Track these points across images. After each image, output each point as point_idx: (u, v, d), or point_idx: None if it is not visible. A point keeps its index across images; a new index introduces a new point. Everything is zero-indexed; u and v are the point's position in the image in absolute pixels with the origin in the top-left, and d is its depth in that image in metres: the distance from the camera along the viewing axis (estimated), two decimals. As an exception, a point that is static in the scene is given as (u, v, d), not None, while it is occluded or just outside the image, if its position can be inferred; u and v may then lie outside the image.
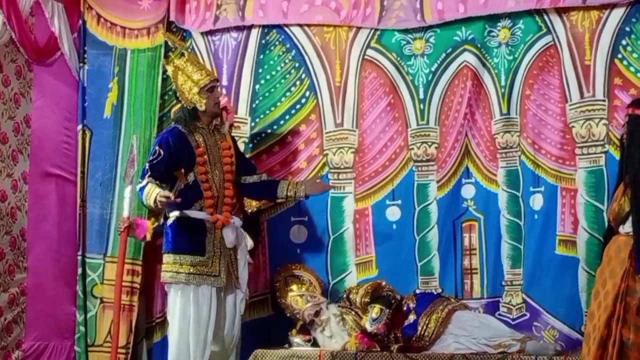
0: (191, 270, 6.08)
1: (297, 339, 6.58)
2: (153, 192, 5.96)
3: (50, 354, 7.16)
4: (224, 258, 6.19)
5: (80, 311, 7.22)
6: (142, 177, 6.16)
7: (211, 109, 6.16)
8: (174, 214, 6.10)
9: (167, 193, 5.95)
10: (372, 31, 7.13)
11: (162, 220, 6.35)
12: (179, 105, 6.36)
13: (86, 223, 7.29)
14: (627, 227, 5.39)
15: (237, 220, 6.40)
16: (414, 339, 6.43)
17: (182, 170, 6.17)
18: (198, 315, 6.05)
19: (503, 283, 6.74)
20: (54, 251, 7.25)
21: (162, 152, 6.08)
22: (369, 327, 6.44)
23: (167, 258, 6.20)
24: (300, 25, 7.27)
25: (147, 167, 6.14)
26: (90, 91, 7.43)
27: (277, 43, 7.33)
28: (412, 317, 6.52)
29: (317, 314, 6.62)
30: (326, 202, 7.12)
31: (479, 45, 6.89)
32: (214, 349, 6.20)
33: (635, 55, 6.51)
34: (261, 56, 7.34)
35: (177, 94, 6.34)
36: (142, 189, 6.11)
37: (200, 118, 6.27)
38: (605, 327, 5.32)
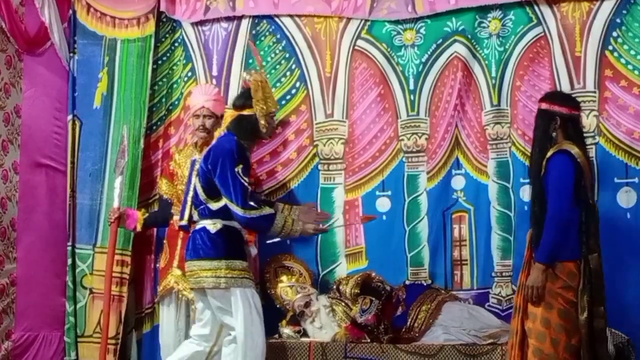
0: (249, 274, 5.95)
1: (287, 330, 6.58)
2: (297, 222, 5.77)
3: (40, 345, 7.16)
4: None
5: (69, 302, 7.21)
6: (245, 203, 5.62)
7: (266, 134, 6.01)
8: (219, 223, 5.92)
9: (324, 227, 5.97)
10: (363, 22, 7.13)
11: (181, 224, 6.20)
12: (235, 115, 5.93)
13: (76, 213, 7.28)
14: None
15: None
16: (403, 330, 6.43)
17: None
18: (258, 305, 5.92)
19: (493, 274, 6.75)
20: (44, 241, 7.25)
21: (248, 176, 5.77)
22: (358, 318, 6.44)
23: (220, 264, 5.74)
24: (291, 16, 7.27)
25: (249, 190, 5.71)
26: (80, 81, 7.40)
27: (267, 33, 7.32)
28: (401, 308, 6.53)
29: (307, 305, 6.62)
30: (316, 193, 7.13)
31: (469, 36, 6.89)
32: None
33: (625, 46, 6.52)
34: (251, 47, 7.34)
35: (252, 105, 5.87)
36: (266, 217, 5.68)
37: (253, 139, 6.06)
38: (513, 317, 5.49)
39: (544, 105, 5.57)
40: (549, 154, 5.39)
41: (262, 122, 5.81)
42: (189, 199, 5.98)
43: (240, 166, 5.65)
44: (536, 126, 5.56)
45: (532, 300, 5.29)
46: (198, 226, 5.80)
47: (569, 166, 5.34)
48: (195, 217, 5.87)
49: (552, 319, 5.26)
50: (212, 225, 5.73)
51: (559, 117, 5.47)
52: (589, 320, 5.27)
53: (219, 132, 6.96)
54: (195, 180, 5.89)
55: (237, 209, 5.60)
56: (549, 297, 5.28)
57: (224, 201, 5.69)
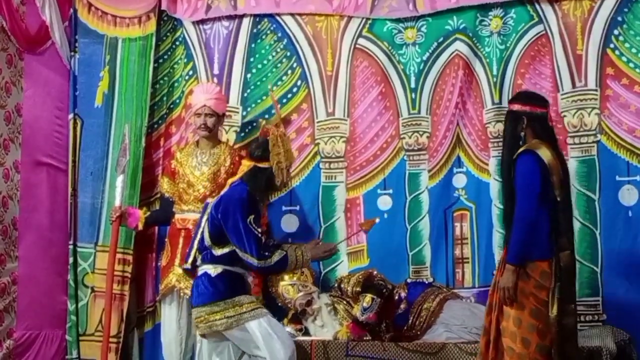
0: (257, 303, 5.91)
1: (288, 329, 6.56)
2: (306, 253, 5.75)
3: (41, 343, 7.16)
4: None
5: (71, 300, 7.21)
6: (260, 254, 5.59)
7: (279, 186, 6.00)
8: (220, 267, 5.89)
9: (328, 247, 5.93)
10: (364, 20, 7.14)
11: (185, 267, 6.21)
12: (251, 166, 5.81)
13: (77, 212, 7.28)
14: None
15: None
16: (405, 328, 6.43)
17: None
18: (270, 321, 5.89)
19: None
20: (46, 240, 7.25)
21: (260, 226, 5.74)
22: (360, 317, 6.44)
23: (227, 304, 5.66)
24: (292, 15, 7.28)
25: (263, 240, 5.66)
26: (82, 80, 7.41)
27: (268, 32, 7.33)
28: (403, 307, 6.52)
29: (309, 303, 6.62)
30: (317, 191, 7.13)
31: (470, 34, 6.89)
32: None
33: (627, 45, 6.52)
34: (252, 45, 7.34)
35: (270, 158, 5.79)
36: (280, 261, 5.66)
37: (266, 191, 5.98)
38: (487, 315, 5.47)
39: (510, 106, 5.55)
40: (515, 155, 5.37)
41: (279, 172, 5.79)
42: (196, 242, 5.92)
43: (252, 216, 5.63)
44: (505, 127, 5.56)
45: (505, 302, 5.29)
46: (200, 272, 5.77)
47: (534, 166, 5.30)
48: (198, 261, 5.83)
49: (524, 318, 5.25)
50: (212, 269, 5.72)
51: (525, 117, 5.42)
52: (558, 318, 5.26)
53: (220, 132, 6.99)
54: (205, 224, 5.85)
55: (252, 260, 5.60)
56: (522, 297, 5.26)
57: (228, 248, 5.69)
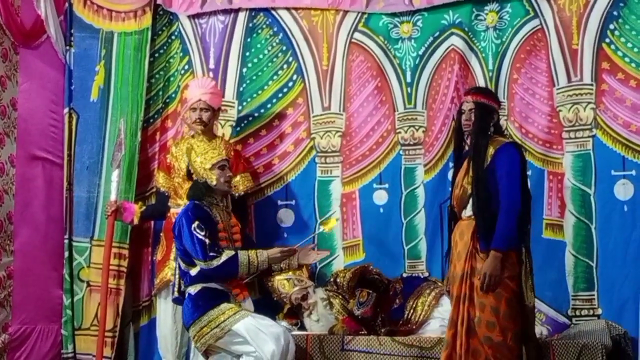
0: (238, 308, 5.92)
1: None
2: (261, 253, 5.89)
3: (36, 338, 7.14)
4: None
5: (67, 295, 7.20)
6: (206, 256, 5.72)
7: (221, 186, 6.08)
8: (199, 286, 5.85)
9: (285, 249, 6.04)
10: (360, 14, 7.13)
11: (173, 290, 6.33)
12: (190, 184, 6.25)
13: (73, 206, 7.27)
14: (468, 212, 5.55)
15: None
16: (401, 322, 6.42)
17: None
18: (255, 319, 5.91)
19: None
20: (41, 234, 7.23)
21: (204, 230, 5.83)
22: (356, 311, 6.44)
23: (210, 316, 5.74)
24: (288, 9, 7.28)
25: (207, 242, 5.75)
26: (77, 74, 7.39)
27: (264, 26, 7.32)
28: (399, 301, 6.52)
29: (304, 297, 6.62)
30: (313, 185, 7.14)
31: (466, 29, 6.89)
32: None
33: (622, 39, 6.52)
34: (248, 39, 7.33)
35: (191, 171, 6.29)
36: (229, 261, 5.75)
37: (214, 194, 6.12)
38: (455, 307, 5.50)
39: (483, 99, 5.59)
40: (497, 145, 5.46)
41: (207, 174, 6.03)
42: (177, 271, 6.10)
43: (196, 223, 5.81)
44: (477, 118, 5.56)
45: (487, 289, 5.34)
46: (186, 295, 5.90)
47: (520, 158, 5.47)
48: (182, 287, 6.00)
49: (501, 307, 5.32)
50: (193, 289, 5.84)
51: (496, 114, 5.58)
52: (532, 306, 5.45)
53: (215, 126, 7.00)
54: (177, 252, 6.03)
55: (201, 264, 5.77)
56: (499, 286, 5.35)
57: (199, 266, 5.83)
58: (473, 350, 5.36)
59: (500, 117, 5.76)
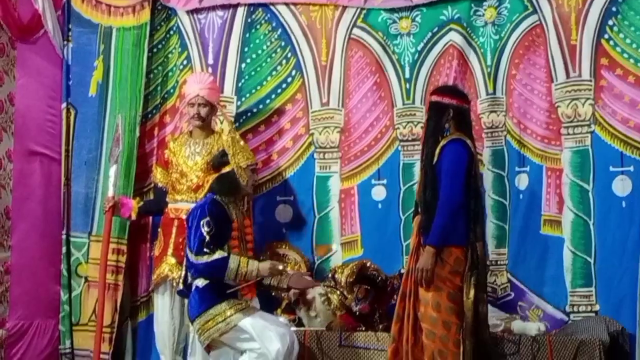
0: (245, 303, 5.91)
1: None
2: (252, 262, 5.79)
3: (34, 333, 7.14)
4: None
5: (64, 290, 7.21)
6: (199, 250, 5.71)
7: (248, 187, 6.06)
8: (205, 281, 5.85)
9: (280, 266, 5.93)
10: (358, 10, 7.13)
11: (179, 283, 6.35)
12: (214, 176, 6.08)
13: (71, 202, 7.27)
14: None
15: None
16: (398, 318, 6.43)
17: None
18: (262, 316, 5.92)
19: (487, 263, 6.74)
20: (39, 230, 7.23)
21: (210, 228, 5.81)
22: (354, 307, 6.44)
23: (216, 310, 5.72)
24: (287, 4, 7.27)
25: (207, 239, 5.74)
26: (75, 69, 7.40)
27: (263, 22, 7.32)
28: (397, 297, 6.51)
29: (302, 293, 6.61)
30: (312, 181, 7.13)
31: (465, 24, 6.89)
32: None
33: (621, 35, 6.51)
34: (247, 35, 7.33)
35: (229, 159, 6.08)
36: (217, 261, 5.71)
37: (237, 192, 6.08)
38: (400, 301, 5.62)
39: (436, 98, 5.70)
40: (444, 142, 5.53)
41: (241, 172, 5.97)
42: (184, 261, 6.05)
43: (207, 218, 5.76)
44: (429, 117, 5.69)
45: (422, 283, 5.43)
46: (193, 288, 5.84)
47: (463, 154, 5.52)
48: (189, 279, 5.92)
49: (442, 302, 5.41)
50: (200, 282, 5.79)
51: (451, 109, 5.61)
52: (474, 304, 5.45)
53: (214, 122, 6.99)
54: (186, 242, 5.98)
55: (191, 256, 5.75)
56: (438, 281, 5.43)
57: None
58: (420, 345, 5.48)
59: (467, 111, 5.75)
